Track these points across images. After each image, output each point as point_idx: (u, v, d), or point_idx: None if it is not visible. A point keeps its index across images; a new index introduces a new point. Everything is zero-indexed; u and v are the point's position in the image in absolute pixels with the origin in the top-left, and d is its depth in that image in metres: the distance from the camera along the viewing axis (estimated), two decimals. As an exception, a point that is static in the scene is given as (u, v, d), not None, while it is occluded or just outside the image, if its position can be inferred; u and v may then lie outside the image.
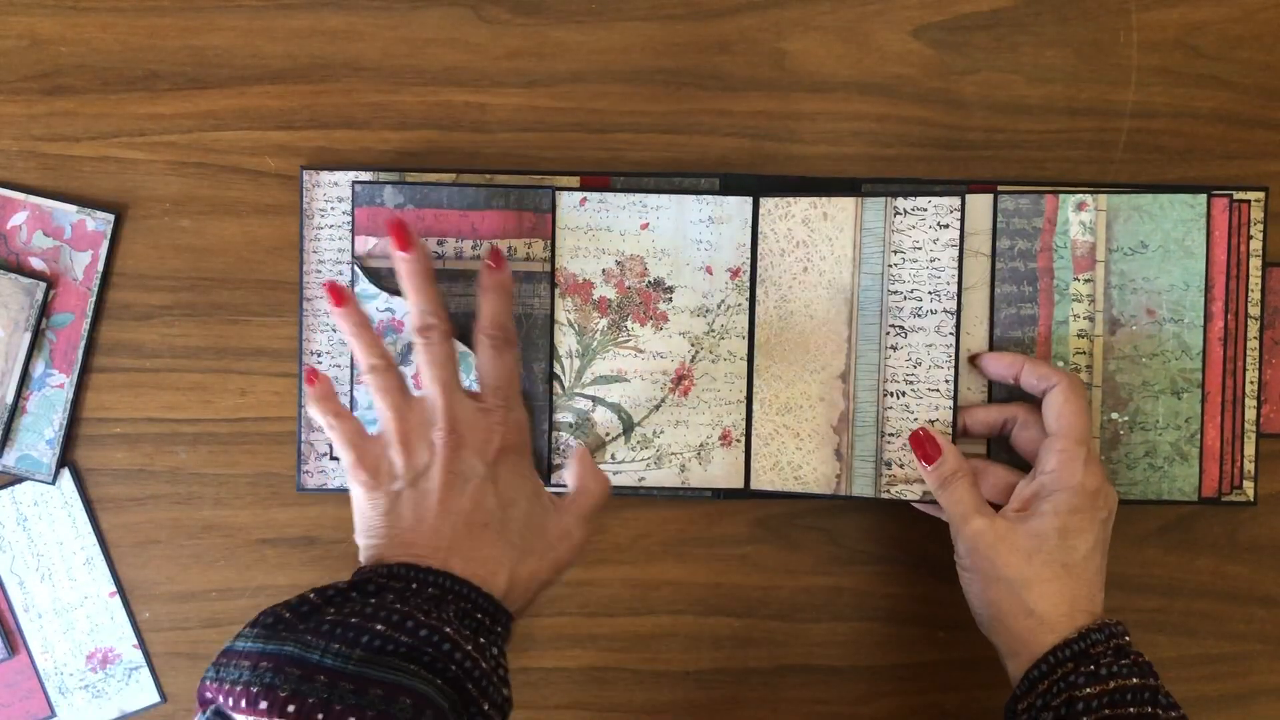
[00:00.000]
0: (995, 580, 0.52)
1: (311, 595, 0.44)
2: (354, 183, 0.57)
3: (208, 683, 0.41)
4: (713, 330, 0.58)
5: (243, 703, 0.39)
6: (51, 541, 0.59)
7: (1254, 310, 0.58)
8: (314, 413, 0.51)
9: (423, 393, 0.50)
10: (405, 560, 0.46)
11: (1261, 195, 0.58)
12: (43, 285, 0.58)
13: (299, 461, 0.58)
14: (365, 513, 0.48)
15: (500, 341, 0.52)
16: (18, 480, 0.59)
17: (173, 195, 0.59)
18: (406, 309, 0.51)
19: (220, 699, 0.40)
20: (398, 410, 0.49)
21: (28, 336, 0.58)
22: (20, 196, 0.59)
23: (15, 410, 0.58)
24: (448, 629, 0.43)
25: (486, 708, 0.44)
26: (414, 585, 0.45)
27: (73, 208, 0.59)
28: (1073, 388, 0.54)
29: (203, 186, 0.59)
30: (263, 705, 0.39)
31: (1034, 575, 0.51)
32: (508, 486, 0.49)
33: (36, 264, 0.59)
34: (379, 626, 0.42)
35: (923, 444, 0.56)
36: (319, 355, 0.58)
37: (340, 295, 0.51)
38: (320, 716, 0.39)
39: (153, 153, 0.59)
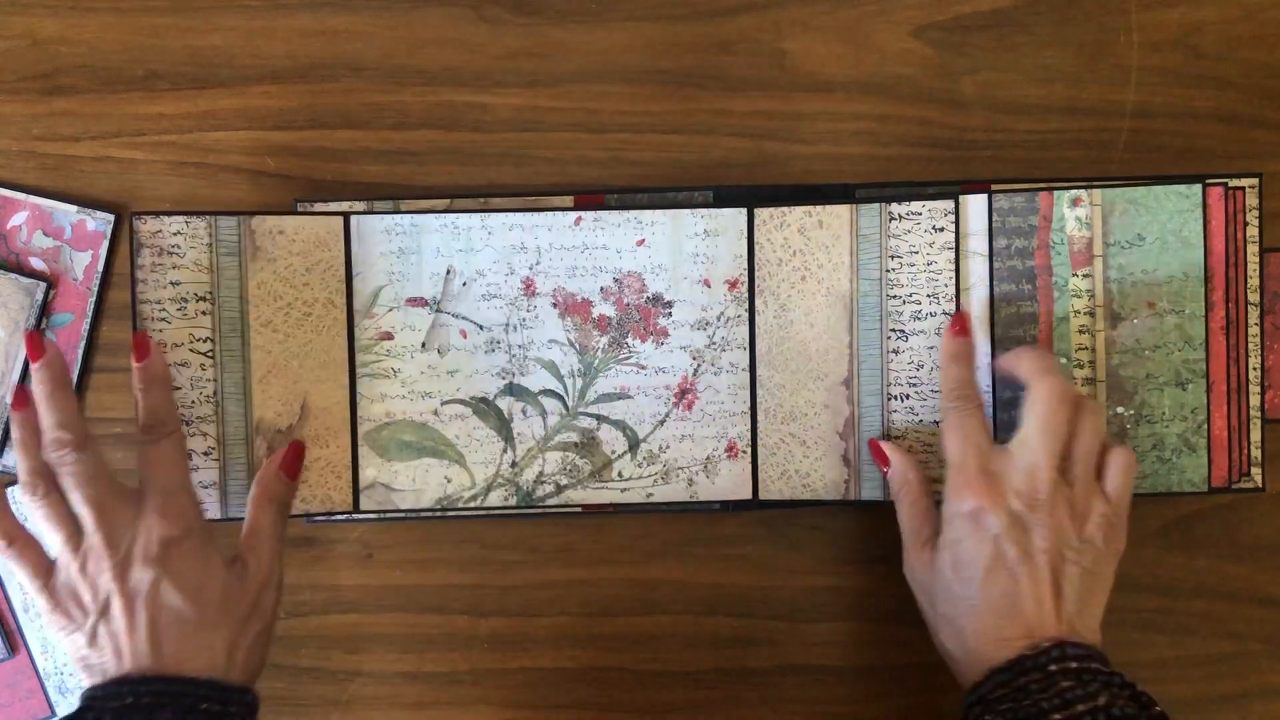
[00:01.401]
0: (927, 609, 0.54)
1: None
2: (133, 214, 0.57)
3: None
4: (713, 343, 0.58)
5: None
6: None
7: (1253, 297, 0.58)
8: None
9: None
10: (117, 676, 0.48)
11: (1255, 182, 0.58)
12: (43, 285, 0.58)
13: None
14: (74, 650, 0.49)
15: (157, 435, 0.52)
16: (9, 484, 0.59)
17: (173, 195, 0.59)
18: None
19: None
20: (70, 542, 0.49)
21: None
22: (20, 196, 0.59)
23: (15, 410, 0.58)
24: None
25: None
26: (129, 700, 0.46)
27: (73, 208, 0.59)
28: (952, 414, 0.54)
29: (203, 186, 0.59)
30: None
31: (945, 614, 0.52)
32: (189, 575, 0.50)
33: (36, 264, 0.59)
34: None
35: (876, 454, 0.57)
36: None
37: (21, 399, 0.51)
38: None
39: (153, 153, 0.59)
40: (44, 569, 0.50)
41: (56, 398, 0.51)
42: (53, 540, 0.50)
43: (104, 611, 0.49)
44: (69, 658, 0.50)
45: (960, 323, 0.56)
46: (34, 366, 0.51)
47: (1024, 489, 0.51)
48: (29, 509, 0.50)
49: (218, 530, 0.60)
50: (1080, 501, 0.51)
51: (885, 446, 0.57)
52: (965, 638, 0.51)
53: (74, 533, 0.50)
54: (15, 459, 0.50)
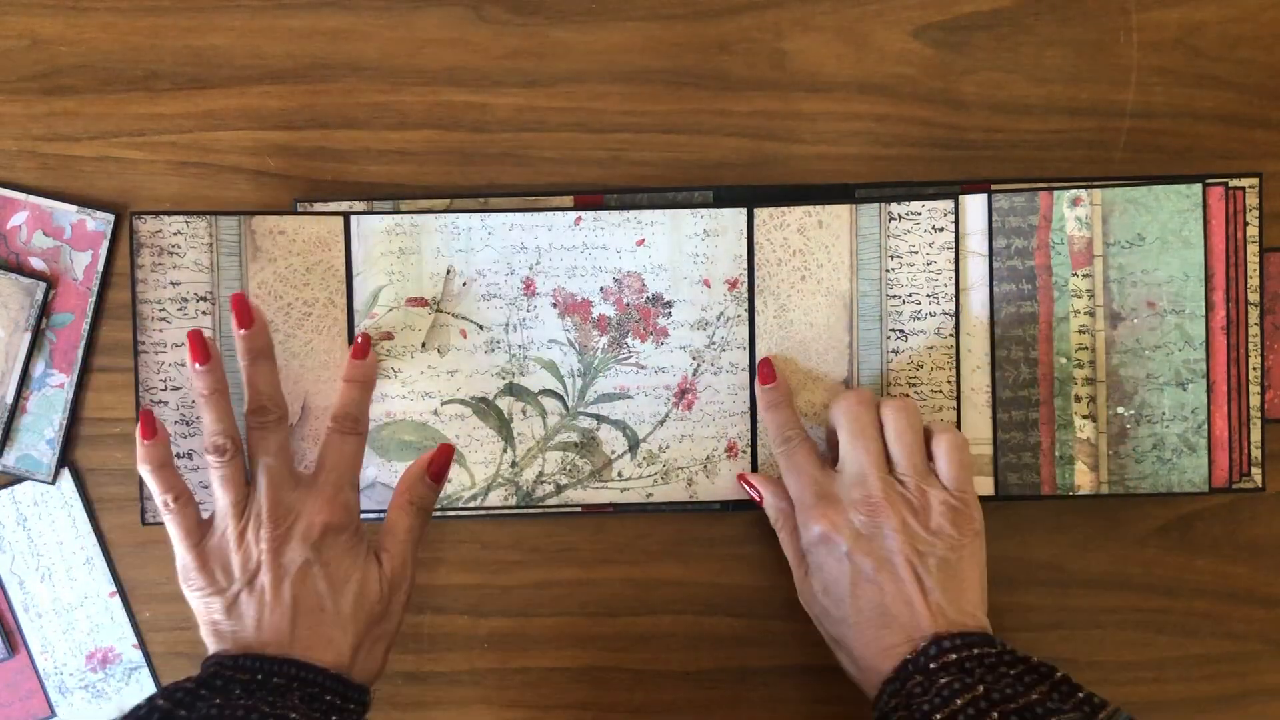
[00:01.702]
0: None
1: (160, 702, 0.45)
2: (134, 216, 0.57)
3: None
4: (713, 343, 0.58)
5: None
6: (51, 541, 0.59)
7: (1253, 297, 0.58)
8: (147, 479, 0.51)
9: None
10: (249, 652, 0.48)
11: (1255, 182, 0.58)
12: (43, 285, 0.58)
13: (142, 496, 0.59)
14: (206, 614, 0.50)
15: (347, 429, 0.54)
16: (18, 480, 0.59)
17: (173, 195, 0.59)
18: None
19: None
20: (236, 505, 0.50)
21: (28, 336, 0.58)
22: (20, 196, 0.59)
23: (15, 410, 0.58)
24: (293, 715, 0.45)
25: None
26: (259, 676, 0.47)
27: (73, 208, 0.59)
28: (783, 456, 0.56)
29: (203, 186, 0.59)
30: None
31: (834, 636, 0.54)
32: (337, 567, 0.51)
33: (36, 264, 0.59)
34: None
35: (747, 487, 0.58)
36: (157, 394, 0.57)
37: (204, 351, 0.52)
38: None
39: (153, 153, 0.59)
40: (198, 529, 0.51)
41: (267, 366, 0.53)
42: (221, 502, 0.51)
43: (251, 580, 0.49)
44: (199, 620, 0.50)
45: (766, 370, 0.57)
46: (242, 334, 0.52)
47: (859, 499, 0.52)
48: (211, 467, 0.51)
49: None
50: (916, 495, 0.52)
51: (755, 479, 0.58)
52: (855, 656, 0.52)
53: (243, 499, 0.51)
54: (203, 417, 0.51)
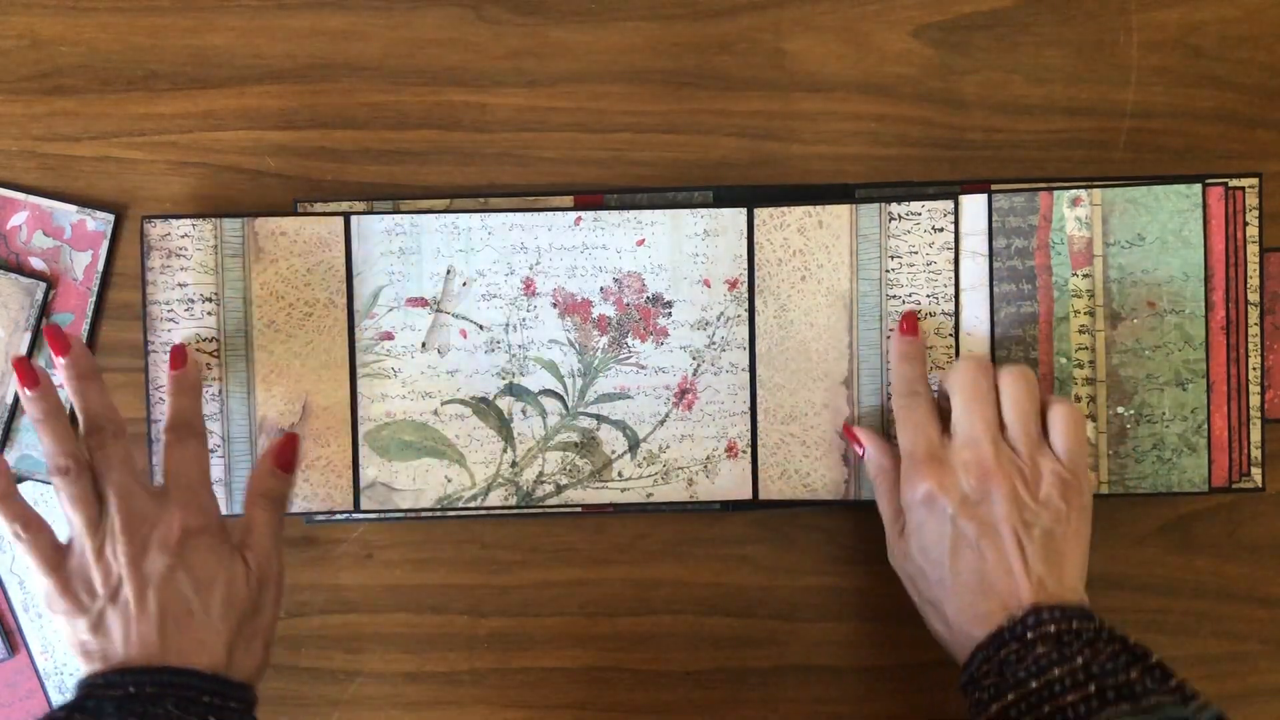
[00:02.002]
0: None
1: None
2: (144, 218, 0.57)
3: None
4: (713, 343, 0.58)
5: None
6: (51, 541, 0.59)
7: (1253, 297, 0.58)
8: None
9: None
10: (119, 667, 0.47)
11: (1255, 182, 0.58)
12: (43, 285, 0.58)
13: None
14: (74, 636, 0.49)
15: (184, 434, 0.53)
16: (18, 480, 0.59)
17: (173, 195, 0.59)
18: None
19: None
20: (91, 523, 0.50)
21: (28, 336, 0.58)
22: (20, 196, 0.59)
23: (15, 410, 0.58)
24: None
25: None
26: (131, 689, 0.46)
27: (73, 208, 0.59)
28: (902, 409, 0.55)
29: (203, 187, 0.59)
30: None
31: (927, 598, 0.53)
32: (201, 569, 0.50)
33: (36, 264, 0.59)
34: None
35: (851, 439, 0.58)
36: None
37: (32, 376, 0.51)
38: None
39: (153, 153, 0.59)
40: (56, 553, 0.50)
41: (93, 385, 0.52)
42: (75, 521, 0.50)
43: (114, 595, 0.49)
44: (67, 644, 0.49)
45: (909, 322, 0.56)
46: (63, 361, 0.52)
47: (970, 461, 0.51)
48: (57, 489, 0.50)
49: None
50: (1029, 464, 0.51)
51: (860, 432, 0.57)
52: (948, 620, 0.51)
53: (96, 516, 0.50)
54: (42, 441, 0.51)
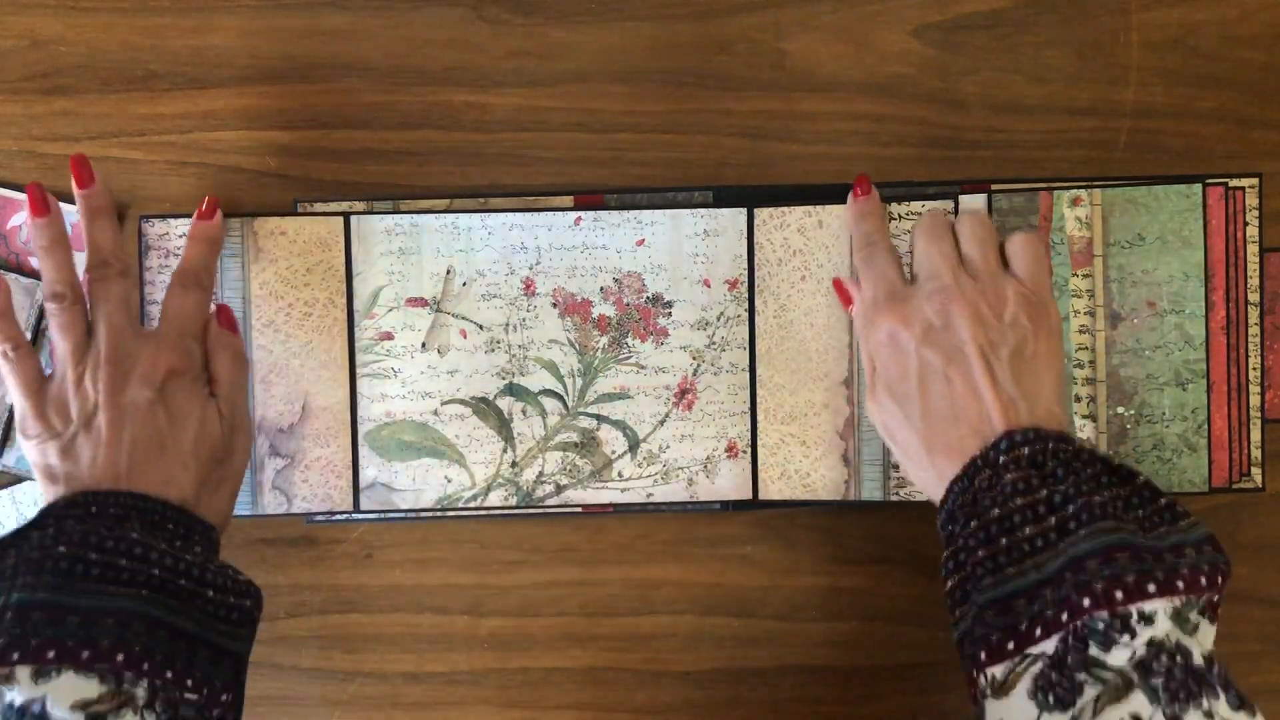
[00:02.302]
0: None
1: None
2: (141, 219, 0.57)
3: None
4: (713, 343, 0.58)
5: None
6: (51, 541, 0.59)
7: (1253, 297, 0.58)
8: None
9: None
10: (84, 489, 0.47)
11: (1255, 182, 0.58)
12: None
13: None
14: (41, 460, 0.49)
15: (190, 284, 0.53)
16: (18, 480, 0.59)
17: (173, 195, 0.59)
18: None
19: None
20: (76, 351, 0.50)
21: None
22: (20, 196, 0.59)
23: (15, 410, 0.58)
24: (134, 534, 0.44)
25: (212, 594, 0.45)
26: (93, 509, 0.46)
27: (73, 208, 0.59)
28: (862, 260, 0.55)
29: (203, 187, 0.59)
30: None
31: (903, 444, 0.51)
32: (178, 407, 0.50)
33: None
34: (61, 549, 0.42)
35: (840, 293, 0.57)
36: None
37: (43, 203, 0.51)
38: (15, 655, 0.39)
39: (153, 153, 0.59)
40: (38, 379, 0.50)
41: (107, 222, 0.53)
42: (60, 348, 0.50)
43: (88, 423, 0.49)
44: (34, 470, 0.49)
45: (863, 184, 0.56)
46: (81, 193, 0.52)
47: (932, 291, 0.50)
48: (49, 316, 0.50)
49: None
50: (990, 289, 0.50)
51: (848, 282, 0.56)
52: (924, 458, 0.49)
53: (83, 345, 0.50)
54: (42, 267, 0.51)
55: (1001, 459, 0.46)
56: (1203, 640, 0.42)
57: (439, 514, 0.59)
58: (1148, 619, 0.40)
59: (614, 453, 0.58)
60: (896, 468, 0.58)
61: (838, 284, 0.57)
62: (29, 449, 0.49)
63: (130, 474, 0.48)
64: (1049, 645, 0.41)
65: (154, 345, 0.51)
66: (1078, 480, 0.44)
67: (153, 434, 0.49)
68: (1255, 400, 0.58)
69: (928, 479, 0.50)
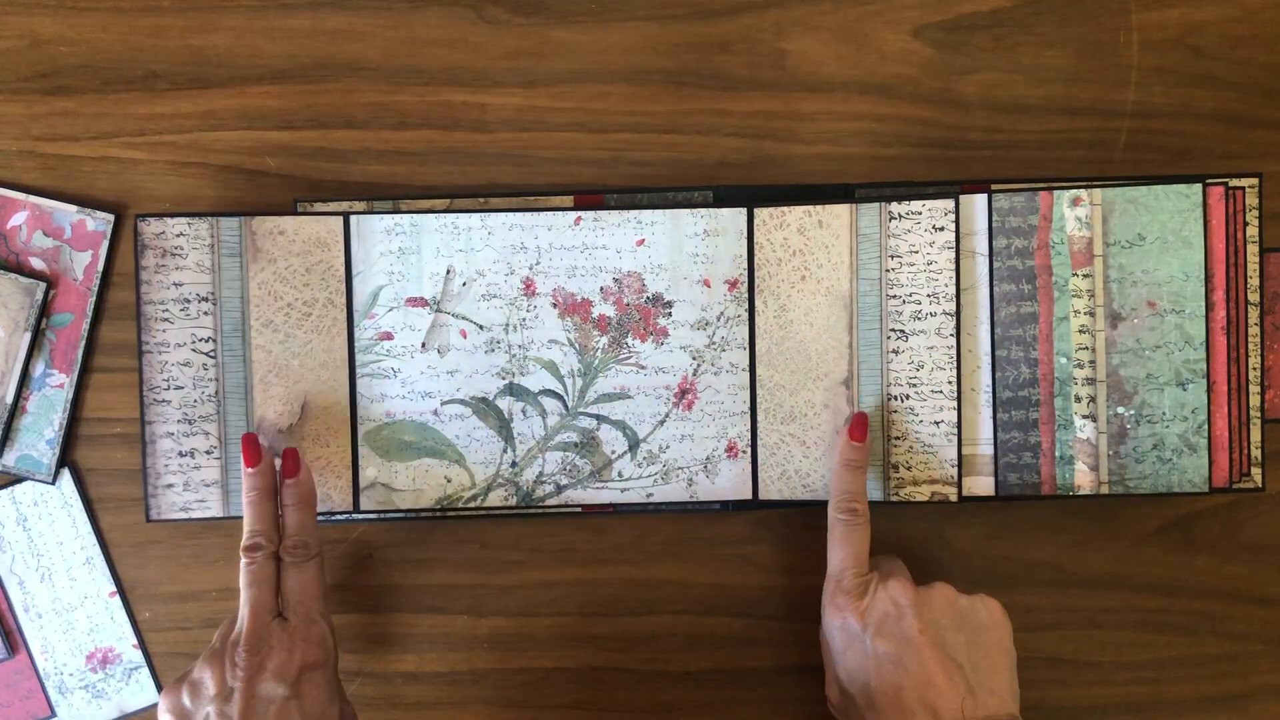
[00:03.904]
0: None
1: None
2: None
3: None
4: (713, 343, 0.58)
5: None
6: (51, 541, 0.59)
7: (1253, 297, 0.58)
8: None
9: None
10: None
11: (1255, 182, 0.58)
12: (43, 285, 0.58)
13: (145, 487, 0.59)
14: (175, 703, 0.50)
15: (300, 558, 0.53)
16: (18, 480, 0.59)
17: (173, 195, 0.59)
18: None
19: None
20: (255, 603, 0.51)
21: (28, 336, 0.58)
22: (20, 196, 0.59)
23: (15, 410, 0.58)
24: None
25: None
26: None
27: (73, 208, 0.59)
28: (840, 525, 0.56)
29: (203, 186, 0.59)
30: None
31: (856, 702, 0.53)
32: (312, 704, 0.50)
33: (36, 264, 0.59)
34: None
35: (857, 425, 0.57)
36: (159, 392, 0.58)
37: (255, 454, 0.53)
38: None
39: (153, 153, 0.59)
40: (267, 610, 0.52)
41: (306, 511, 0.54)
42: (243, 595, 0.51)
43: (224, 706, 0.49)
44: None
45: (859, 427, 0.56)
46: (289, 482, 0.53)
47: (891, 583, 0.53)
48: (243, 565, 0.52)
49: (223, 527, 0.60)
50: (939, 588, 0.53)
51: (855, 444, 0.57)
52: None
53: (263, 599, 0.51)
54: (245, 514, 0.53)
55: None
56: None
57: (439, 514, 0.59)
58: None
59: (614, 453, 0.58)
60: (896, 468, 0.58)
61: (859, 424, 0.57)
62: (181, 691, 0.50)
63: None
64: None
65: (288, 636, 0.51)
66: None
67: None
68: (1255, 400, 0.58)
69: None
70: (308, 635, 0.51)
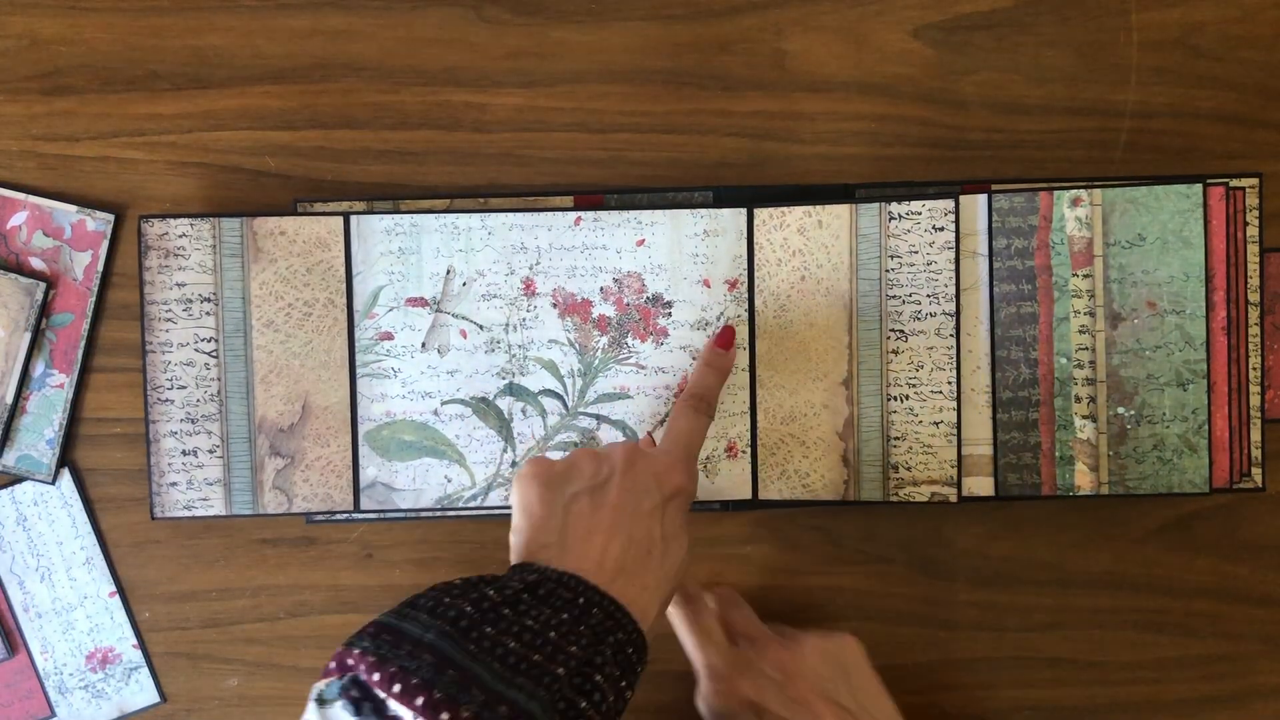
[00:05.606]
0: None
1: (490, 592, 0.43)
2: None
3: (358, 653, 0.40)
4: (713, 339, 0.59)
5: (399, 688, 0.38)
6: (51, 541, 0.59)
7: (1254, 297, 0.58)
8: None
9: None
10: (576, 572, 0.45)
11: (1256, 182, 0.58)
12: (43, 285, 0.58)
13: (150, 487, 0.59)
14: (541, 511, 0.47)
15: (700, 408, 0.54)
16: (18, 480, 0.59)
17: (173, 195, 0.59)
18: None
19: (370, 674, 0.39)
20: (679, 431, 0.53)
21: (28, 336, 0.58)
22: (20, 196, 0.59)
23: (15, 410, 0.58)
24: (598, 676, 0.42)
25: None
26: (580, 601, 0.44)
27: (73, 208, 0.59)
28: (681, 410, 0.55)
29: (203, 186, 0.59)
30: (420, 701, 0.38)
31: None
32: (672, 523, 0.49)
33: (36, 264, 0.59)
34: (536, 657, 0.41)
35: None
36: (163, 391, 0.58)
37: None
38: (420, 700, 0.38)
39: (153, 153, 0.59)
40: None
41: (722, 377, 0.57)
42: (672, 425, 0.54)
43: (597, 490, 0.48)
44: (519, 521, 0.48)
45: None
46: (720, 350, 0.57)
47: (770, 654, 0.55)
48: (682, 405, 0.54)
49: (222, 528, 0.60)
50: (790, 641, 0.55)
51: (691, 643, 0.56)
52: None
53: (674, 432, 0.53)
54: (703, 380, 0.56)
55: None
56: None
57: (439, 514, 0.59)
58: None
59: (614, 453, 0.58)
60: (896, 468, 0.58)
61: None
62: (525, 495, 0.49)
63: (618, 573, 0.46)
64: None
65: (667, 459, 0.51)
66: None
67: (648, 540, 0.48)
68: (1255, 400, 0.58)
69: None
70: (685, 469, 0.51)
